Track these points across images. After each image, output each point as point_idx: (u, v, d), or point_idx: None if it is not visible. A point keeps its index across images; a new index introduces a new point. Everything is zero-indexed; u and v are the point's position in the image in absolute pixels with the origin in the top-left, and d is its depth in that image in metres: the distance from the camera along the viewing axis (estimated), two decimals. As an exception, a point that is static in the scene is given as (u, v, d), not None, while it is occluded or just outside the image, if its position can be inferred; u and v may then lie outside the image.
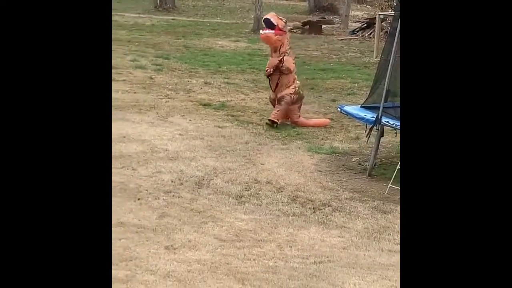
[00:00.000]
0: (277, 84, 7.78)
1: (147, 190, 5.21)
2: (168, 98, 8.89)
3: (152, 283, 3.74)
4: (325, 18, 21.87)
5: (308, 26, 19.91)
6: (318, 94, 9.76)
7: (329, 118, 8.12)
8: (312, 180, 5.80)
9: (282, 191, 5.45)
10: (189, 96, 9.10)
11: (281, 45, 7.71)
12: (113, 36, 13.47)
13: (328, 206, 5.19)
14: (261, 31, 7.86)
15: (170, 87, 9.67)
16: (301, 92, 7.91)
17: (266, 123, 7.60)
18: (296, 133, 7.39)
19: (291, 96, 7.70)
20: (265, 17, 7.81)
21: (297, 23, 21.15)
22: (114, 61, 11.55)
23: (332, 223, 4.86)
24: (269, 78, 7.91)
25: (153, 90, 9.35)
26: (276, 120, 7.59)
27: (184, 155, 6.20)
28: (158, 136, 6.80)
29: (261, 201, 5.20)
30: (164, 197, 5.08)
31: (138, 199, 5.01)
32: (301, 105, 7.89)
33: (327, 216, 4.99)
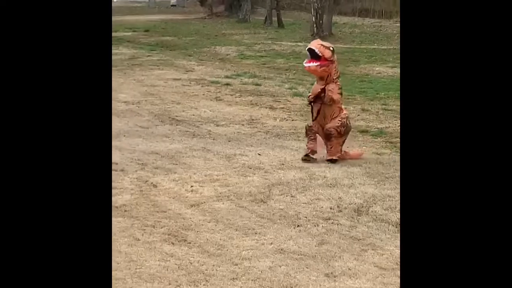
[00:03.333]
0: (318, 113, 7.05)
1: (306, 217, 5.23)
2: (325, 125, 8.92)
3: (313, 310, 3.74)
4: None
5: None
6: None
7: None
8: (476, 208, 5.59)
9: (444, 220, 5.30)
10: (347, 123, 9.08)
11: (328, 75, 6.98)
12: (271, 64, 13.79)
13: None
14: (304, 63, 7.09)
15: (327, 114, 9.70)
16: (349, 124, 7.12)
17: (328, 161, 6.92)
18: (457, 159, 7.16)
19: (337, 130, 6.94)
20: (309, 46, 7.03)
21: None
22: (272, 89, 11.80)
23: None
24: (311, 105, 7.20)
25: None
26: (335, 158, 6.92)
27: (343, 182, 6.19)
28: (316, 163, 6.83)
29: (422, 230, 5.08)
30: (323, 224, 5.09)
31: (298, 226, 5.05)
32: (345, 140, 7.12)
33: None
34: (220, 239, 4.70)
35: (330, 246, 4.66)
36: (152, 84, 12.10)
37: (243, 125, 8.75)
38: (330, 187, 6.02)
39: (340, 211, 5.42)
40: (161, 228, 4.88)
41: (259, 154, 7.10)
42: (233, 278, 4.08)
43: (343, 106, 7.19)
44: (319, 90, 7.00)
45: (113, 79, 13.35)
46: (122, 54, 17.14)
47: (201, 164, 6.68)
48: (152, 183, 5.98)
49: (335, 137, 6.92)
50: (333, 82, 7.00)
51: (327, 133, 6.95)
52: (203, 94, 11.10)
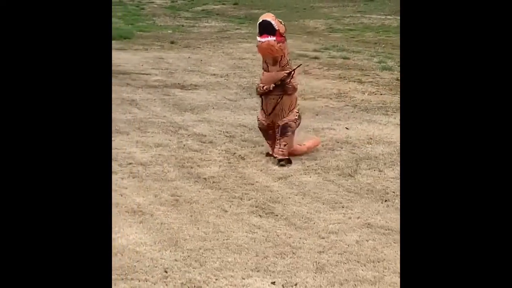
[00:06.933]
0: (276, 105, 5.82)
1: (394, 192, 5.18)
2: (415, 99, 8.77)
3: (400, 286, 3.71)
4: None
5: None
6: None
7: None
8: None
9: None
10: (437, 97, 8.91)
11: (282, 56, 5.75)
12: (360, 38, 13.61)
13: None
14: (258, 38, 5.74)
15: (417, 88, 9.54)
16: (300, 114, 6.05)
17: (278, 163, 5.76)
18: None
19: (295, 122, 5.90)
20: (262, 19, 5.76)
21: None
22: (361, 63, 11.66)
23: None
24: (261, 98, 5.93)
25: (399, 91, 9.27)
26: (288, 158, 5.82)
27: (432, 158, 6.08)
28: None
29: None
30: (411, 200, 5.02)
31: (385, 200, 5.00)
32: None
33: None
34: (307, 212, 4.71)
35: (419, 222, 4.60)
36: (241, 57, 12.16)
37: (331, 98, 8.70)
38: (419, 162, 5.93)
39: (429, 187, 5.33)
40: (249, 200, 4.93)
41: (347, 128, 7.06)
42: (320, 252, 4.09)
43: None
44: (284, 75, 5.76)
45: (202, 51, 13.46)
46: (211, 27, 17.28)
47: (288, 137, 6.69)
48: (240, 155, 6.04)
49: (292, 132, 5.88)
50: (287, 65, 5.84)
51: (283, 127, 5.84)
52: (291, 68, 11.08)
